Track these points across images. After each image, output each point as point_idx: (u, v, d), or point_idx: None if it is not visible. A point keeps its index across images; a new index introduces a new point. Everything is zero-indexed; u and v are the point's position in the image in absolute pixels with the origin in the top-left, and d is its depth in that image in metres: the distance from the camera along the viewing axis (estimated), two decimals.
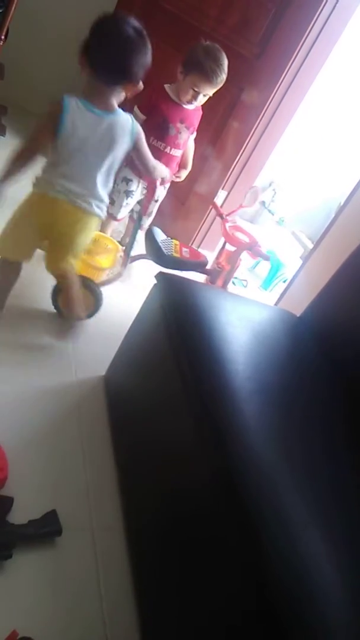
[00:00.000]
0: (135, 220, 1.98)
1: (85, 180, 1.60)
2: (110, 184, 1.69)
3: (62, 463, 1.42)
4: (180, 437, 1.18)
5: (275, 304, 2.29)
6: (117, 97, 1.56)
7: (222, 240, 2.12)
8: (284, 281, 3.39)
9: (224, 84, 2.11)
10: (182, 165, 2.38)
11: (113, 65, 1.50)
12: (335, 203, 4.09)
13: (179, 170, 2.39)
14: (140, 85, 1.55)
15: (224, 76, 2.05)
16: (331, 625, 0.77)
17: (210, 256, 2.28)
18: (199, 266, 2.00)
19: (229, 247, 2.05)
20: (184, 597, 1.02)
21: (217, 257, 2.08)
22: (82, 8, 3.11)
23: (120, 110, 1.58)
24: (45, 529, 1.19)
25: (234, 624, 0.87)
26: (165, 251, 1.92)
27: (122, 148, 1.61)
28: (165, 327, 1.37)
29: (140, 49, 1.50)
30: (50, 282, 1.85)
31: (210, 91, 2.10)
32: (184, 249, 2.03)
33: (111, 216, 2.42)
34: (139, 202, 2.39)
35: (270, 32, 2.44)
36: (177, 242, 2.05)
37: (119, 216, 2.41)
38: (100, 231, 2.54)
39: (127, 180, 2.30)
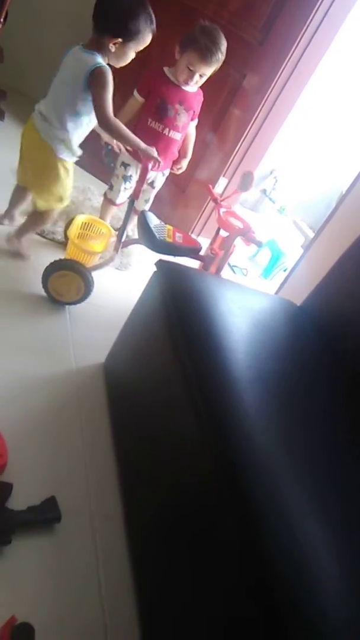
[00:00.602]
0: (128, 204, 1.96)
1: (51, 106, 1.80)
2: (81, 129, 1.84)
3: (62, 450, 1.42)
4: (179, 425, 1.18)
5: (276, 293, 2.29)
6: (102, 46, 1.73)
7: (217, 226, 2.10)
8: (285, 270, 3.38)
9: (226, 70, 2.09)
10: (182, 154, 2.35)
11: (99, 13, 1.71)
12: (336, 192, 4.07)
13: (179, 159, 2.35)
14: (127, 47, 1.76)
15: (219, 56, 2.00)
16: (331, 618, 0.78)
17: (203, 242, 2.27)
18: (192, 252, 1.99)
19: (222, 232, 2.04)
20: (183, 585, 1.03)
21: (211, 243, 2.07)
22: None
23: (96, 54, 1.73)
24: (45, 515, 1.20)
25: (233, 615, 0.87)
26: (157, 236, 1.90)
27: (78, 83, 1.72)
28: (165, 315, 1.36)
29: (130, 8, 1.69)
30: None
31: (206, 70, 2.04)
32: (177, 234, 2.01)
33: (110, 201, 2.42)
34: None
35: (273, 17, 2.41)
36: (171, 227, 2.03)
37: (118, 201, 2.40)
38: (100, 217, 2.54)
39: (125, 165, 2.29)
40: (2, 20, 2.46)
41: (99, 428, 1.54)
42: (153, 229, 1.91)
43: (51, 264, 1.85)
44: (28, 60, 3.21)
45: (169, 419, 1.25)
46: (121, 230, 1.99)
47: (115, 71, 1.76)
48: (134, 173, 2.30)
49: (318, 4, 2.35)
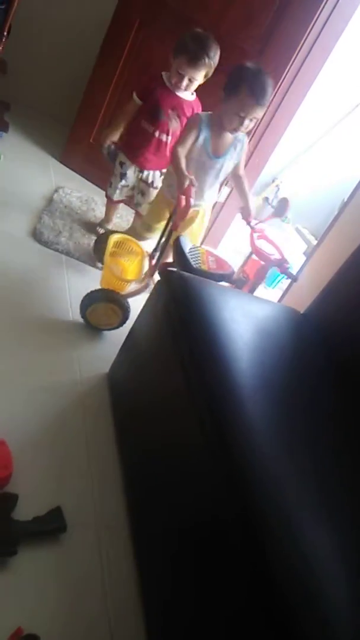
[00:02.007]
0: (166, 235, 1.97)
1: None
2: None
3: (67, 460, 1.42)
4: (184, 434, 1.18)
5: (279, 301, 2.29)
6: None
7: (248, 248, 2.11)
8: (282, 276, 3.37)
9: (226, 79, 2.11)
10: None
11: None
12: (338, 199, 4.07)
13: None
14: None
15: (207, 60, 2.05)
16: (335, 626, 0.77)
17: (211, 249, 2.28)
18: (226, 277, 2.00)
19: (255, 257, 2.05)
20: (188, 594, 1.02)
21: (242, 266, 2.09)
22: (83, 4, 3.11)
23: None
24: (50, 526, 1.20)
25: (237, 621, 0.87)
26: (192, 262, 1.92)
27: None
28: (169, 324, 1.36)
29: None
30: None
31: (194, 74, 2.09)
32: (210, 258, 2.04)
33: (109, 198, 2.51)
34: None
35: (272, 27, 2.43)
36: (204, 251, 2.06)
37: (115, 198, 2.48)
38: (105, 218, 2.60)
39: (122, 163, 2.37)
40: (5, 33, 2.49)
41: (104, 438, 1.54)
42: (188, 254, 1.93)
43: (89, 295, 1.87)
44: (31, 72, 3.23)
45: (173, 427, 1.25)
46: (157, 258, 2.02)
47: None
48: (130, 171, 2.38)
49: (318, 13, 2.36)
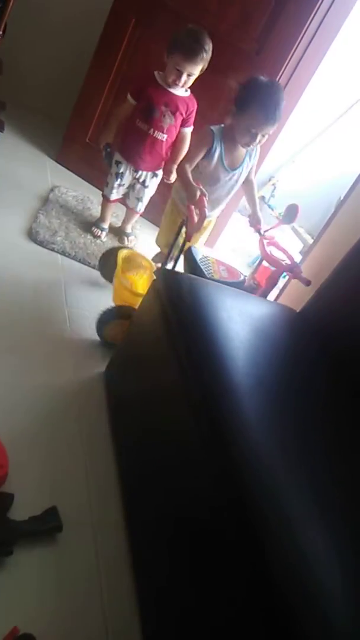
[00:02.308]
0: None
1: None
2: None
3: (62, 459, 1.42)
4: (180, 433, 1.18)
5: (275, 300, 2.29)
6: None
7: (258, 254, 2.11)
8: (284, 276, 3.38)
9: (223, 79, 2.13)
10: (172, 158, 2.40)
11: None
12: (334, 198, 4.07)
13: (168, 163, 2.41)
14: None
15: (204, 55, 2.08)
16: (335, 625, 0.77)
17: (207, 251, 2.27)
18: (237, 286, 1.99)
19: (266, 263, 2.05)
20: (185, 593, 1.02)
21: (253, 273, 2.09)
22: (79, 4, 3.11)
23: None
24: (46, 526, 1.19)
25: (236, 623, 0.87)
26: (205, 272, 1.92)
27: None
28: (165, 323, 1.36)
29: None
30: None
31: (192, 69, 2.12)
32: (221, 268, 2.05)
33: (105, 197, 2.52)
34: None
35: (269, 26, 2.43)
36: (214, 260, 2.07)
37: (112, 197, 2.50)
38: (101, 217, 2.60)
39: (118, 163, 2.39)
40: (1, 32, 2.48)
41: (99, 437, 1.54)
42: (199, 264, 1.92)
43: (104, 313, 1.84)
44: (27, 71, 3.23)
45: (169, 426, 1.25)
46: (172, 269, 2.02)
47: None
48: (125, 170, 2.40)
49: (314, 12, 2.37)
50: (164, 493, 1.19)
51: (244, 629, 0.85)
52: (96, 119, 2.87)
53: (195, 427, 1.10)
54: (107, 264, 2.20)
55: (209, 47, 2.08)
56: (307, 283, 1.83)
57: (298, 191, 4.31)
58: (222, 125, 1.98)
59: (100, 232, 2.55)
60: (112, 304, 1.93)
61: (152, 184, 2.47)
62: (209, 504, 1.00)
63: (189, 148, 2.33)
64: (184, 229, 1.87)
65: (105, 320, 1.85)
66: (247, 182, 2.16)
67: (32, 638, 0.99)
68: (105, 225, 2.60)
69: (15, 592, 1.08)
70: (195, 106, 2.30)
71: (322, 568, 0.84)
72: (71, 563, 1.19)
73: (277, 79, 2.51)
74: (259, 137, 1.90)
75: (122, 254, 2.03)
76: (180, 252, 1.94)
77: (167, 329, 1.34)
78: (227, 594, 0.90)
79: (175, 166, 2.41)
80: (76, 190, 2.82)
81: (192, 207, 1.78)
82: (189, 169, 1.90)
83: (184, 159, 2.06)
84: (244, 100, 1.85)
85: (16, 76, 3.09)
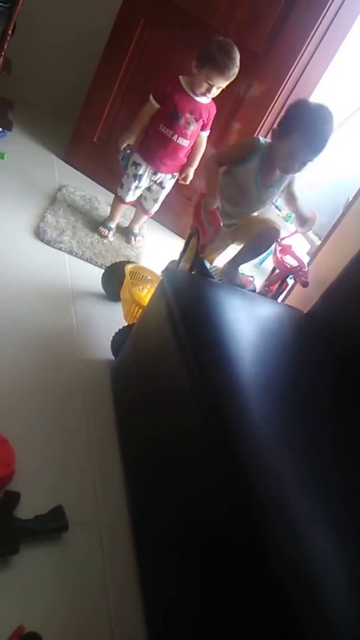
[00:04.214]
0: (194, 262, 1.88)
1: None
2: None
3: (69, 459, 1.42)
4: (187, 432, 1.18)
5: (282, 301, 2.28)
6: None
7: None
8: (291, 277, 3.37)
9: (233, 79, 2.14)
10: (189, 162, 2.42)
11: None
12: (342, 199, 4.06)
13: (185, 167, 2.42)
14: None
15: (236, 70, 2.11)
16: (338, 626, 0.77)
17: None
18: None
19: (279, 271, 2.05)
20: (190, 592, 1.02)
21: (266, 280, 2.08)
22: (88, 3, 3.11)
23: None
24: (52, 524, 1.19)
25: (240, 621, 0.87)
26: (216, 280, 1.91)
27: None
28: (172, 323, 1.36)
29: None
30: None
31: (223, 84, 2.17)
32: None
33: (120, 199, 2.50)
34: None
35: (279, 27, 2.43)
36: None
37: (127, 199, 2.49)
38: (110, 216, 2.58)
39: (137, 164, 2.37)
40: (10, 32, 2.49)
41: (106, 435, 1.54)
42: (210, 272, 1.90)
43: (118, 333, 1.81)
44: (35, 71, 3.24)
45: (176, 427, 1.25)
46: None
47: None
48: (144, 172, 2.39)
49: (324, 13, 2.36)
50: (170, 494, 1.19)
51: (249, 632, 0.84)
52: (104, 118, 2.87)
53: (202, 428, 1.10)
54: (112, 280, 2.12)
55: (238, 61, 2.10)
56: (304, 285, 1.82)
57: (305, 192, 4.30)
58: (270, 142, 1.83)
59: (107, 231, 2.55)
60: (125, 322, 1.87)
61: (169, 185, 2.49)
62: (216, 506, 1.00)
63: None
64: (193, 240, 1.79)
65: (120, 341, 1.78)
66: (289, 196, 1.98)
67: (38, 637, 0.99)
68: (113, 225, 2.60)
69: (20, 591, 1.08)
70: (215, 112, 2.33)
71: (328, 571, 0.83)
72: (77, 562, 1.19)
73: (286, 79, 2.50)
74: (214, 89, 1.91)
75: (128, 270, 1.98)
76: (192, 266, 1.80)
77: (174, 330, 1.34)
78: (233, 596, 0.90)
79: (192, 169, 2.42)
80: (84, 190, 2.82)
81: (209, 216, 1.70)
82: (216, 169, 1.81)
83: (216, 154, 1.98)
84: (287, 124, 1.71)
85: (24, 76, 3.10)
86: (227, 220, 1.89)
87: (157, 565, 1.18)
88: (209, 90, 2.17)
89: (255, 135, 1.93)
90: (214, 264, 2.00)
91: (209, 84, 2.14)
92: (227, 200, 1.87)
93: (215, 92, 2.20)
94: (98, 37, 2.78)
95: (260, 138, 1.84)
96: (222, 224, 1.69)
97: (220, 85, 2.16)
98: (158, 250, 2.76)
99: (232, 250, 1.98)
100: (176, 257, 1.92)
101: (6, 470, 1.22)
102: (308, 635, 0.75)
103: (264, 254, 3.05)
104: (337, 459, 1.14)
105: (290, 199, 1.98)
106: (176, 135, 2.28)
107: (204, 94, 2.20)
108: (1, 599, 1.05)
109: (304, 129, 1.67)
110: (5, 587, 1.07)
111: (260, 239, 1.86)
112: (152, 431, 1.38)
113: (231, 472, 0.96)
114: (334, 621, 0.77)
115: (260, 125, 2.64)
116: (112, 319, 2.01)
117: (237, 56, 2.09)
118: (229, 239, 1.98)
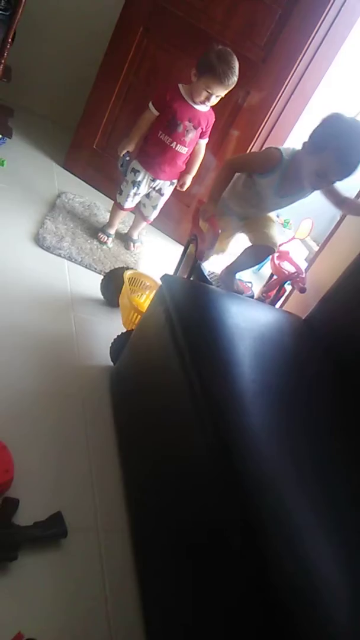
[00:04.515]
0: (193, 266, 1.88)
1: None
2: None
3: (68, 465, 1.42)
4: (185, 439, 1.18)
5: (280, 307, 2.29)
6: None
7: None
8: (289, 283, 3.38)
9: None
10: (187, 169, 2.44)
11: None
12: None
13: (183, 174, 2.44)
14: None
15: (235, 79, 2.13)
16: (337, 632, 0.77)
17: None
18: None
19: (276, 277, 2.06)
20: (188, 598, 1.02)
21: (264, 286, 2.10)
22: (87, 12, 3.13)
23: None
24: (51, 531, 1.20)
25: (237, 627, 0.87)
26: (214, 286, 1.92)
27: None
28: (170, 329, 1.37)
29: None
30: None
31: (222, 93, 2.18)
32: None
33: (119, 205, 2.52)
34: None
35: (275, 35, 2.45)
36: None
37: (126, 206, 2.50)
38: (109, 221, 2.59)
39: (135, 171, 2.39)
40: (10, 39, 2.50)
41: (105, 442, 1.54)
42: (208, 278, 1.91)
43: (117, 340, 1.82)
44: (35, 78, 3.26)
45: (175, 433, 1.25)
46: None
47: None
48: (142, 179, 2.40)
49: (320, 21, 2.38)
50: (168, 501, 1.19)
51: (245, 634, 0.85)
52: (103, 125, 2.89)
53: (201, 434, 1.10)
54: (111, 287, 2.13)
55: (237, 69, 2.12)
56: (302, 291, 1.83)
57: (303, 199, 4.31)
58: (295, 153, 1.73)
59: (106, 238, 2.56)
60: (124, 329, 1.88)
61: (168, 192, 2.51)
62: (213, 511, 1.00)
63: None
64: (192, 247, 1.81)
65: (119, 348, 1.79)
66: (340, 205, 1.85)
67: None
68: (112, 231, 2.61)
69: (19, 597, 1.08)
70: (214, 119, 2.35)
71: (324, 582, 0.84)
72: (76, 569, 1.19)
73: (283, 87, 2.52)
74: (213, 97, 1.89)
75: (127, 277, 1.98)
76: (191, 272, 1.82)
77: (173, 336, 1.35)
78: (230, 602, 0.90)
79: (190, 177, 2.44)
80: (83, 197, 2.83)
81: (207, 223, 1.72)
82: (229, 174, 1.78)
83: (234, 161, 1.92)
84: (320, 140, 1.62)
85: (24, 83, 3.12)
86: (241, 213, 1.92)
87: (156, 571, 1.18)
88: (208, 98, 2.18)
89: (275, 147, 1.76)
90: (212, 270, 2.01)
91: (208, 92, 2.15)
92: (245, 200, 1.89)
93: (214, 100, 2.21)
94: (97, 45, 2.80)
95: (283, 151, 1.73)
96: (232, 217, 1.71)
97: (219, 93, 2.18)
98: (157, 256, 2.77)
99: (230, 257, 2.00)
100: (174, 265, 1.93)
101: (5, 477, 1.22)
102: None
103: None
104: (336, 465, 1.15)
105: (341, 206, 1.87)
106: (175, 143, 2.30)
107: (203, 102, 2.21)
108: (0, 605, 1.05)
109: (337, 149, 1.59)
110: (4, 594, 1.07)
111: (254, 250, 1.89)
112: (150, 437, 1.39)
113: (229, 476, 0.96)
114: (329, 627, 0.78)
115: (258, 132, 2.65)
116: (111, 325, 2.02)
117: (236, 65, 2.11)
118: (239, 229, 2.00)
